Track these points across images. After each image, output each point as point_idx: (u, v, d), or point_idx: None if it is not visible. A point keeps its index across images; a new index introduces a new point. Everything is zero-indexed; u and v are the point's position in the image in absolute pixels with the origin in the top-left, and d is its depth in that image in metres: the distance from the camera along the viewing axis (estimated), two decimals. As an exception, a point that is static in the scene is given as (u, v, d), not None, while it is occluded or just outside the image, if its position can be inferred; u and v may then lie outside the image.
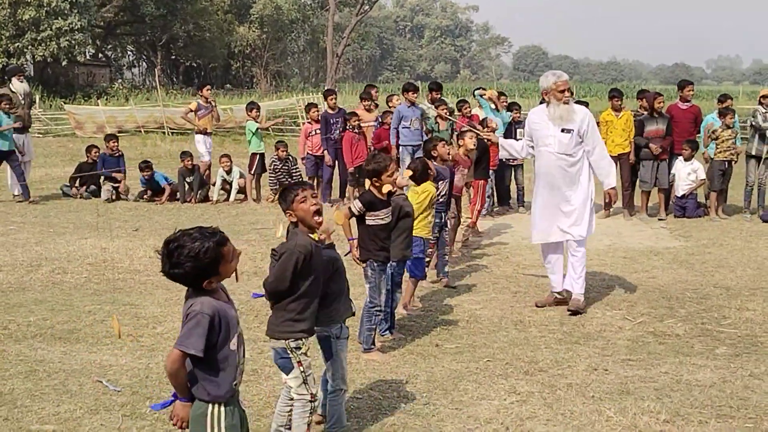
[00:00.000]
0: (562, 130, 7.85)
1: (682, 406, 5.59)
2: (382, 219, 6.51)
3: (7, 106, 14.42)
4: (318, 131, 14.63)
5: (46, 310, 7.82)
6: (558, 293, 8.26)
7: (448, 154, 8.80)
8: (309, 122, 15.05)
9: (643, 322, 7.68)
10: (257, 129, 14.86)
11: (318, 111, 15.17)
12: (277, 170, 14.65)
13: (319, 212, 4.61)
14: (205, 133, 15.71)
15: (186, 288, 3.65)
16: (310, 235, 4.59)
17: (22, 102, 15.08)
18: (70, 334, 7.09)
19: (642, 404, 5.58)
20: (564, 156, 7.88)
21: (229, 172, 15.10)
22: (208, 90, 16.19)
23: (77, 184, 15.54)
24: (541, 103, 8.28)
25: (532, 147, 8.23)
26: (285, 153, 14.52)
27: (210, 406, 3.55)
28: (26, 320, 7.47)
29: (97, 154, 15.75)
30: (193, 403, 3.59)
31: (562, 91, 7.86)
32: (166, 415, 4.26)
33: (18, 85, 15.22)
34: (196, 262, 3.49)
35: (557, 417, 5.40)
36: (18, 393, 5.73)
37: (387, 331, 7.12)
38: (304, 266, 4.47)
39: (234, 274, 3.74)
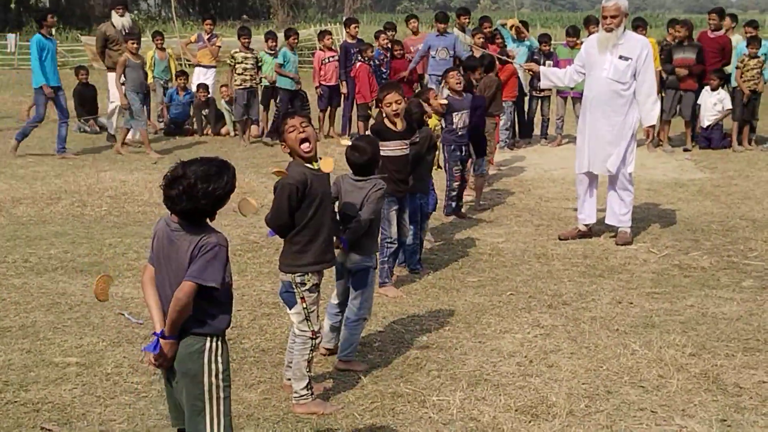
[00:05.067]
0: (620, 57, 7.75)
1: (708, 339, 5.53)
2: (392, 151, 6.39)
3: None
4: (331, 59, 14.25)
5: (67, 243, 7.82)
6: (585, 225, 8.15)
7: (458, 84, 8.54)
8: (321, 49, 14.59)
9: (668, 254, 7.58)
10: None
11: (331, 38, 14.83)
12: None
13: (306, 140, 4.39)
14: (200, 65, 15.53)
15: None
16: (307, 165, 4.43)
17: (123, 39, 13.41)
18: (92, 267, 7.08)
19: (667, 337, 5.51)
20: (616, 83, 7.77)
21: (230, 102, 14.63)
22: (208, 24, 16.04)
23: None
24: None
25: (582, 74, 8.13)
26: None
27: (208, 340, 3.40)
28: (47, 253, 7.47)
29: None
30: (178, 340, 3.39)
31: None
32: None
33: (118, 20, 13.47)
34: (216, 197, 3.34)
35: (581, 350, 5.35)
36: (40, 325, 5.74)
37: (418, 265, 7.07)
38: (301, 197, 4.37)
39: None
